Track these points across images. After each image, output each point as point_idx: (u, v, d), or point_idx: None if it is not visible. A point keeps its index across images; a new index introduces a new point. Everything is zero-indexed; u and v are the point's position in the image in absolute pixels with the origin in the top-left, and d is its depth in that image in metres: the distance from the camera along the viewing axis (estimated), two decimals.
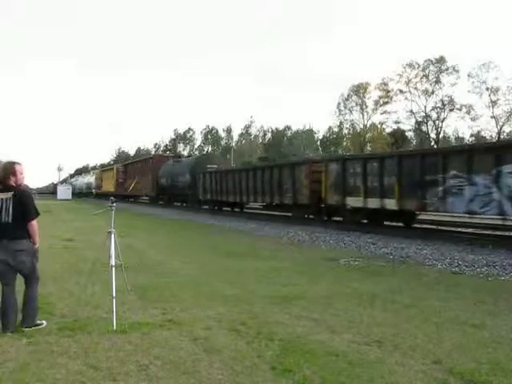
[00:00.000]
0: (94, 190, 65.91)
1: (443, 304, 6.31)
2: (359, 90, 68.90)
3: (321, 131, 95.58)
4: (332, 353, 4.43)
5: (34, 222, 5.14)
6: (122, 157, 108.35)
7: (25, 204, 5.10)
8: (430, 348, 4.58)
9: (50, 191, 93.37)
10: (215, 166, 30.86)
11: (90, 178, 73.13)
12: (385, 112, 66.36)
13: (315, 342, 4.74)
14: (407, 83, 62.02)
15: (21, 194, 5.11)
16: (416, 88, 61.96)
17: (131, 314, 5.69)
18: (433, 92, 61.56)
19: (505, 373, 3.96)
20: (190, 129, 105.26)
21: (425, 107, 62.60)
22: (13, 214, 5.02)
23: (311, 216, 20.01)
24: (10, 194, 5.06)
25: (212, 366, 4.13)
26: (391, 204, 14.92)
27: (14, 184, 5.11)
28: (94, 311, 5.88)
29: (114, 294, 5.41)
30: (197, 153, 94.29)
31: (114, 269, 5.60)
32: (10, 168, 5.15)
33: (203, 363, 4.19)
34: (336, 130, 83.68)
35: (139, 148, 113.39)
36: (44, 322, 5.28)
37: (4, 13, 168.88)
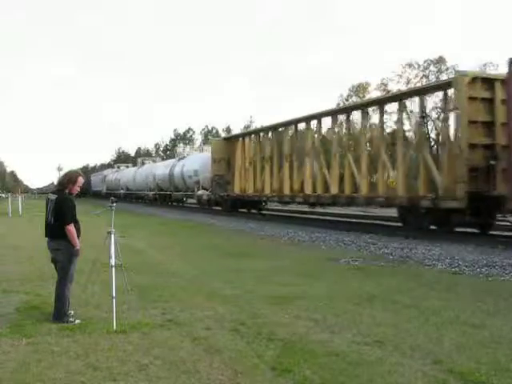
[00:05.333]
0: (205, 195, 28.71)
1: (443, 304, 6.31)
2: (359, 90, 68.83)
3: None
4: (332, 353, 4.43)
5: (69, 227, 5.49)
6: (121, 157, 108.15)
7: (61, 210, 5.53)
8: (430, 348, 4.58)
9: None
10: None
11: (190, 163, 33.07)
12: (384, 112, 66.35)
13: (315, 342, 4.74)
14: (407, 83, 62.01)
15: (60, 200, 5.57)
16: None
17: (131, 314, 5.69)
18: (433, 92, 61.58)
19: (505, 373, 3.96)
20: (189, 129, 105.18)
21: (425, 107, 62.70)
22: (53, 216, 5.55)
23: None
24: (54, 197, 5.62)
25: (212, 366, 4.13)
26: None
27: (67, 190, 5.66)
28: (93, 311, 5.88)
29: (114, 294, 5.41)
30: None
31: (113, 269, 5.60)
32: (74, 176, 5.73)
33: (203, 363, 4.19)
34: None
35: (139, 148, 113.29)
36: (77, 320, 5.45)
37: (4, 13, 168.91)
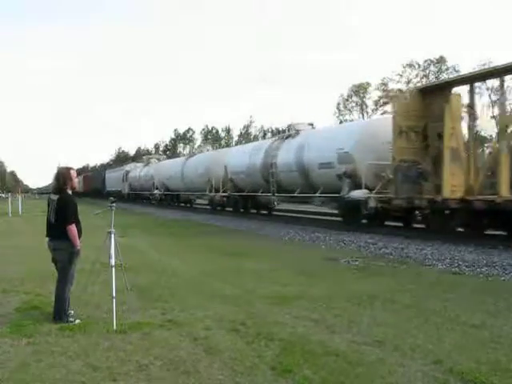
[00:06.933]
0: (372, 199, 14.06)
1: (443, 304, 6.30)
2: (359, 90, 68.84)
3: None
4: (332, 353, 4.43)
5: (71, 227, 5.51)
6: (121, 157, 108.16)
7: (63, 209, 5.55)
8: (430, 348, 4.58)
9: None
10: None
11: (323, 141, 17.21)
12: (385, 112, 66.24)
13: (315, 342, 4.73)
14: (407, 83, 61.99)
15: (61, 200, 5.59)
16: None
17: (131, 314, 5.69)
18: None
19: (505, 373, 3.96)
20: (190, 129, 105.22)
21: None
22: (55, 216, 5.57)
23: None
24: (56, 197, 5.63)
25: (212, 366, 4.13)
26: None
27: (69, 188, 5.66)
28: (93, 311, 5.88)
29: (114, 294, 5.41)
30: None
31: (113, 269, 5.60)
32: (66, 173, 5.71)
33: (203, 363, 4.19)
34: None
35: (139, 148, 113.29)
36: (77, 320, 5.46)
37: (4, 12, 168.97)
